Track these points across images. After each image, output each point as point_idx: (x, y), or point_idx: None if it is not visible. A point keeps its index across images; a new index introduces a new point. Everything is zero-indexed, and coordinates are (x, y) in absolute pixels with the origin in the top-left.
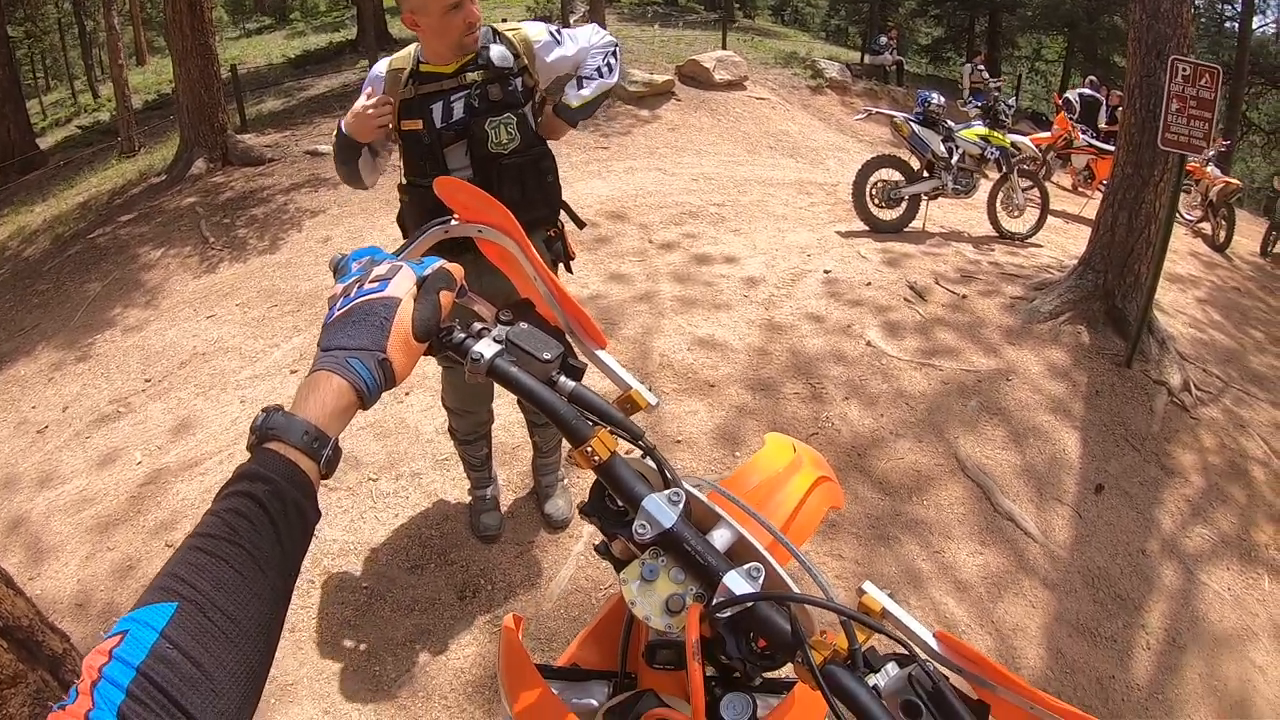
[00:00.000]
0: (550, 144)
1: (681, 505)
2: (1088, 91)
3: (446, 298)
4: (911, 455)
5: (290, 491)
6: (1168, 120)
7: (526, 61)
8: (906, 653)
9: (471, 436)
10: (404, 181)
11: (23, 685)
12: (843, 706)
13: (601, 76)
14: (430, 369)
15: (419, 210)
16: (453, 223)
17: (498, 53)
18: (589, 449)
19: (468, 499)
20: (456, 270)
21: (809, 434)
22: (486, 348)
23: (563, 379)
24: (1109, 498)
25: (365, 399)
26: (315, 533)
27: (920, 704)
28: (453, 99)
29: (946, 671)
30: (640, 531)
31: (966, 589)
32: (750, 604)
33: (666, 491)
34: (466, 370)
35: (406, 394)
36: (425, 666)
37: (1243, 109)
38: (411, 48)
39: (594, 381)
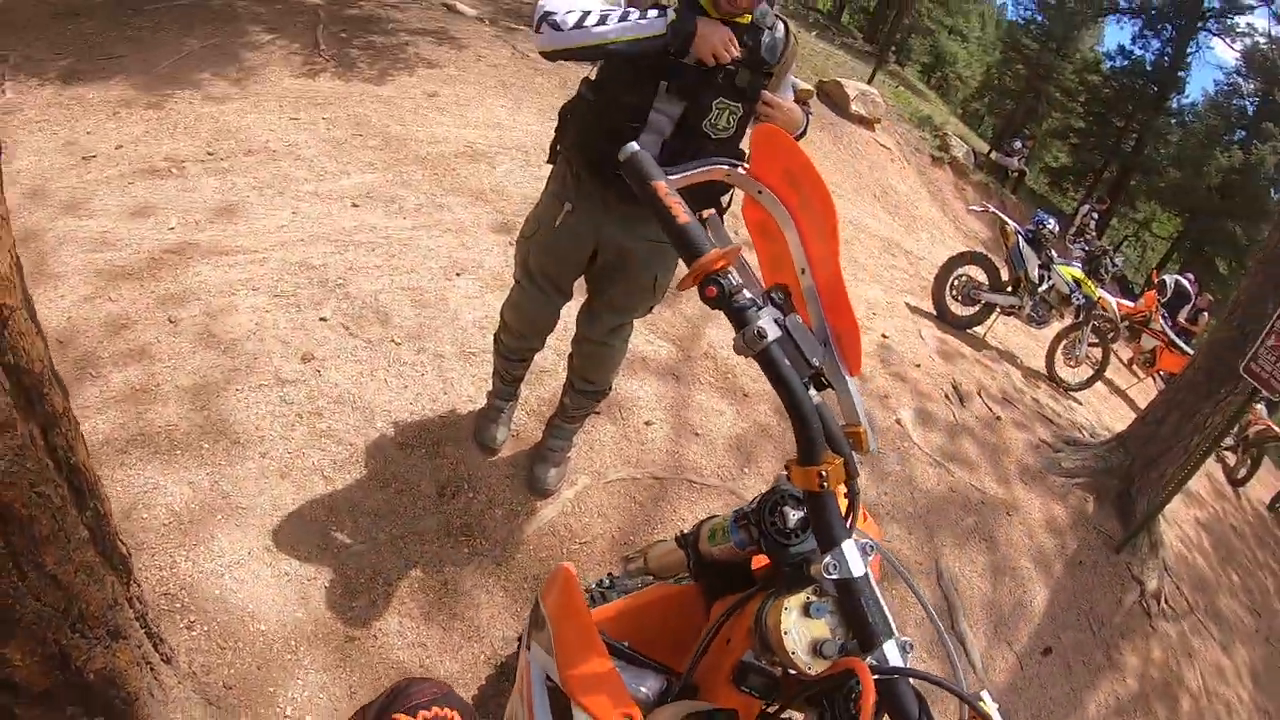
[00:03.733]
0: None
1: (872, 555)
2: (1185, 282)
3: None
4: (897, 543)
5: None
6: (1259, 351)
7: (786, 61)
8: None
9: (515, 356)
10: (593, 82)
11: (8, 435)
12: None
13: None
14: (487, 259)
15: (596, 120)
16: (740, 170)
17: (769, 42)
18: (823, 471)
19: (481, 401)
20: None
21: None
22: (771, 328)
23: (812, 390)
24: (1052, 663)
25: None
26: (320, 369)
27: None
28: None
29: None
30: (829, 571)
31: None
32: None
33: (862, 541)
34: (743, 339)
35: (458, 274)
36: (380, 545)
37: None
38: None
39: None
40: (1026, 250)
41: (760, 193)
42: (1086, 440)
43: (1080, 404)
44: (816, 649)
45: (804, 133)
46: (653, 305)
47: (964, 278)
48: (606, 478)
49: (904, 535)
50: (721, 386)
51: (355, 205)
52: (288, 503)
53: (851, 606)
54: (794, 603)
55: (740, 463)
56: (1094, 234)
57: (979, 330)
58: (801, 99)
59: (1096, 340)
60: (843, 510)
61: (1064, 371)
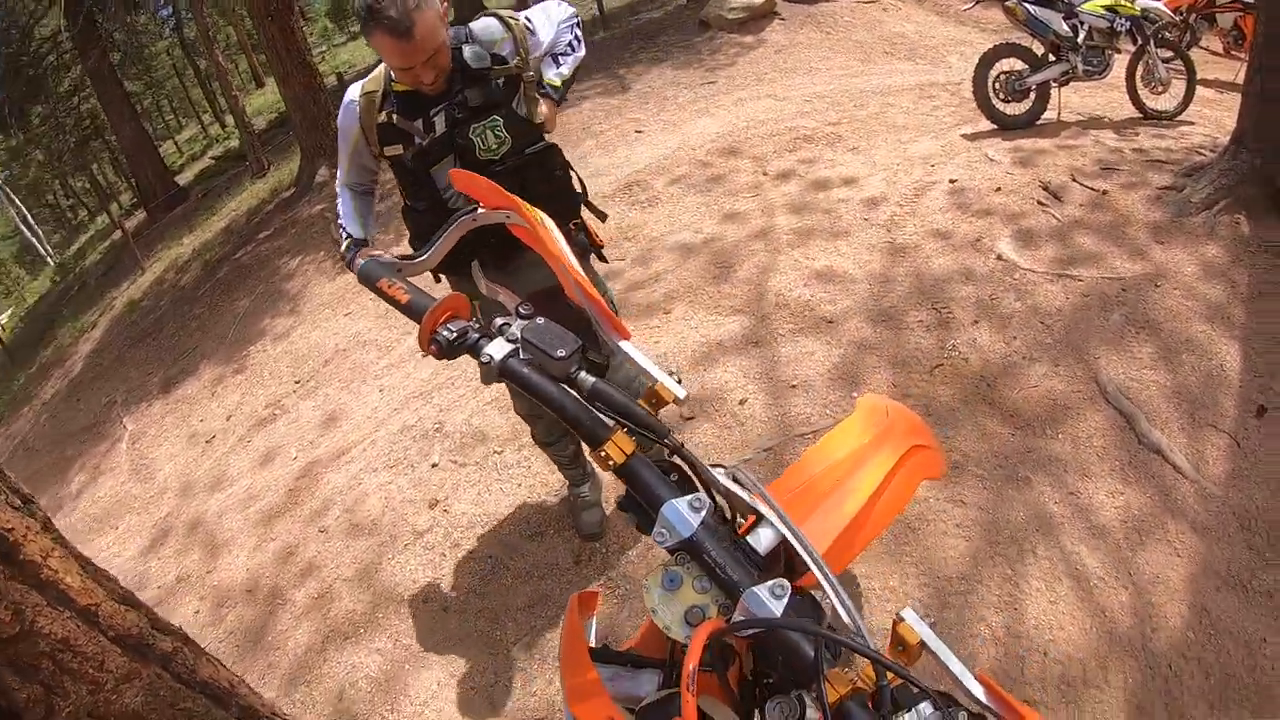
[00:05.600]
0: (648, 89)
1: (705, 511)
2: None
3: None
4: (1046, 382)
5: None
6: None
7: (522, 53)
8: (937, 696)
9: (552, 438)
10: (405, 205)
11: (137, 680)
12: None
13: (574, 50)
14: None
15: (421, 234)
16: (479, 211)
17: (471, 53)
18: (604, 453)
19: None
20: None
21: (934, 365)
22: (497, 348)
23: (583, 375)
24: (1273, 422)
25: None
26: (447, 508)
27: None
28: (433, 113)
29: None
30: (660, 539)
31: (1103, 535)
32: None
33: (689, 497)
34: (481, 372)
35: None
36: (542, 631)
37: None
38: (383, 66)
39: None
40: (1041, 12)
41: (509, 217)
42: (1207, 159)
43: (1194, 123)
44: (688, 618)
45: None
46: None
47: (1003, 75)
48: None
49: (1050, 371)
50: (802, 327)
51: (424, 356)
52: (454, 630)
53: (701, 567)
54: (652, 580)
55: (847, 391)
56: None
57: (1051, 115)
58: (763, 11)
59: (1170, 53)
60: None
61: (1156, 102)
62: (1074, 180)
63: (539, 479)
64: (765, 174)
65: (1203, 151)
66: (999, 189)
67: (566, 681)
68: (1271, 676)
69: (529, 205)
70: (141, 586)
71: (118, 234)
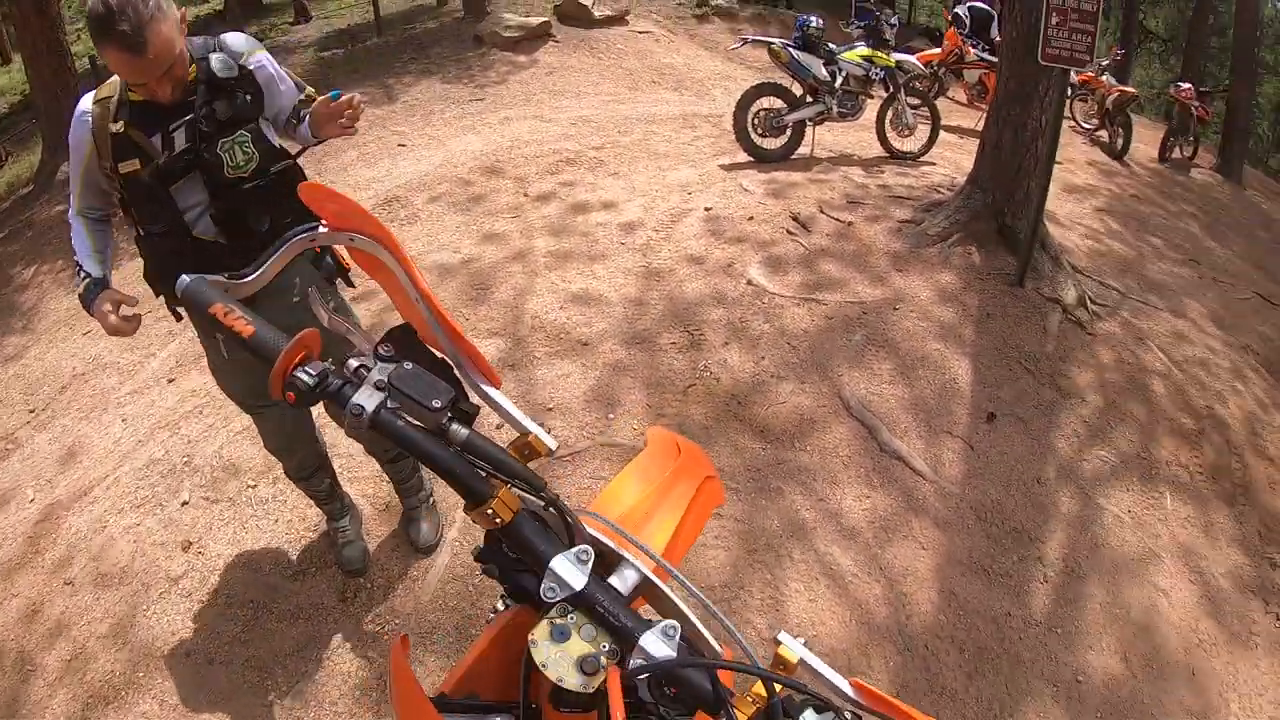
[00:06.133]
0: (415, 101)
1: (590, 563)
2: (979, 4)
3: None
4: (794, 398)
5: None
6: (1048, 34)
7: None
8: (823, 700)
9: (306, 472)
10: (138, 233)
11: None
12: None
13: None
14: None
15: (160, 262)
16: (321, 229)
17: (219, 62)
18: (490, 510)
19: None
20: None
21: (687, 385)
22: (367, 398)
23: (455, 427)
24: (1002, 426)
25: None
26: (202, 549)
27: None
28: (172, 128)
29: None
30: (549, 594)
31: (853, 536)
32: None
33: (575, 550)
34: (347, 423)
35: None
36: (313, 676)
37: (1140, 17)
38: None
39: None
40: (804, 57)
41: (353, 240)
42: (945, 196)
43: (936, 164)
44: (583, 667)
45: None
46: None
47: (762, 112)
48: None
49: (798, 387)
50: (559, 350)
51: (171, 380)
52: (222, 684)
53: (591, 617)
54: (539, 634)
55: (604, 412)
56: (875, 6)
57: (803, 151)
58: (539, 33)
59: (918, 101)
60: (564, 523)
61: (903, 144)
62: (822, 211)
63: (296, 514)
64: (526, 195)
65: (941, 190)
66: (751, 218)
67: None
68: (1019, 644)
69: (389, 231)
70: None
71: None
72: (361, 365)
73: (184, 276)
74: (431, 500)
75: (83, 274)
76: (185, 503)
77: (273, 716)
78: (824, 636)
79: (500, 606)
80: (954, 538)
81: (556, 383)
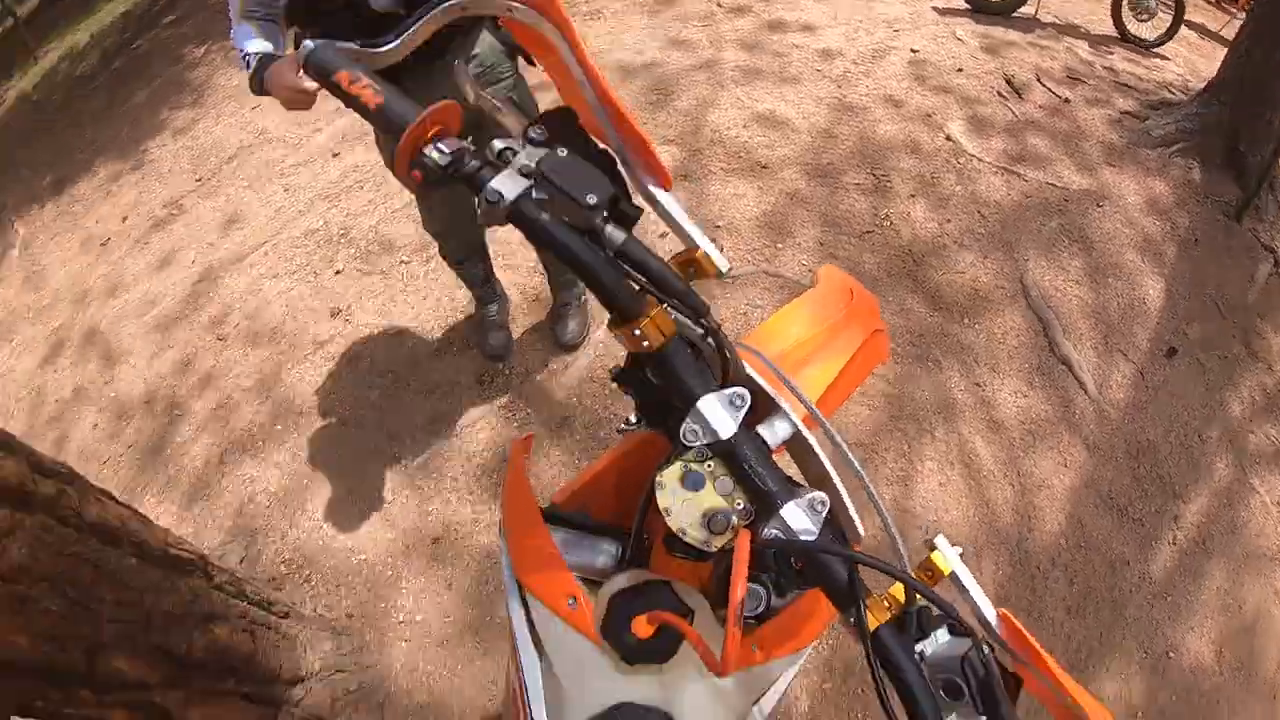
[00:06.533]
0: None
1: (744, 410)
2: None
3: None
4: (973, 271)
5: None
6: None
7: None
8: (963, 626)
9: (462, 256)
10: (303, 33)
11: (20, 532)
12: (885, 675)
13: None
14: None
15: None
16: None
17: None
18: (638, 331)
19: None
20: None
21: (864, 230)
22: (508, 184)
23: (610, 229)
24: (1179, 365)
25: None
26: (349, 317)
27: (964, 688)
28: None
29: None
30: (690, 438)
31: (1000, 431)
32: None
33: (729, 392)
34: (480, 210)
35: None
36: (440, 450)
37: None
38: None
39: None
40: None
41: (510, 10)
42: (1177, 99)
43: (1169, 59)
44: (707, 523)
45: None
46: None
47: None
48: None
49: (978, 261)
50: (736, 168)
51: (335, 155)
52: (353, 445)
53: (733, 470)
54: (668, 478)
55: (774, 240)
56: None
57: (1027, 9)
58: None
59: None
60: (721, 357)
61: (1138, 28)
62: (1039, 80)
63: (446, 293)
64: (720, 5)
65: (1173, 90)
66: (960, 70)
67: (514, 544)
68: (1127, 598)
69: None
70: (39, 401)
71: (9, 20)
72: (508, 148)
73: (307, 42)
74: (584, 299)
75: (250, 58)
76: (338, 272)
77: (396, 482)
78: (943, 525)
79: (633, 420)
80: (1099, 465)
81: (729, 201)
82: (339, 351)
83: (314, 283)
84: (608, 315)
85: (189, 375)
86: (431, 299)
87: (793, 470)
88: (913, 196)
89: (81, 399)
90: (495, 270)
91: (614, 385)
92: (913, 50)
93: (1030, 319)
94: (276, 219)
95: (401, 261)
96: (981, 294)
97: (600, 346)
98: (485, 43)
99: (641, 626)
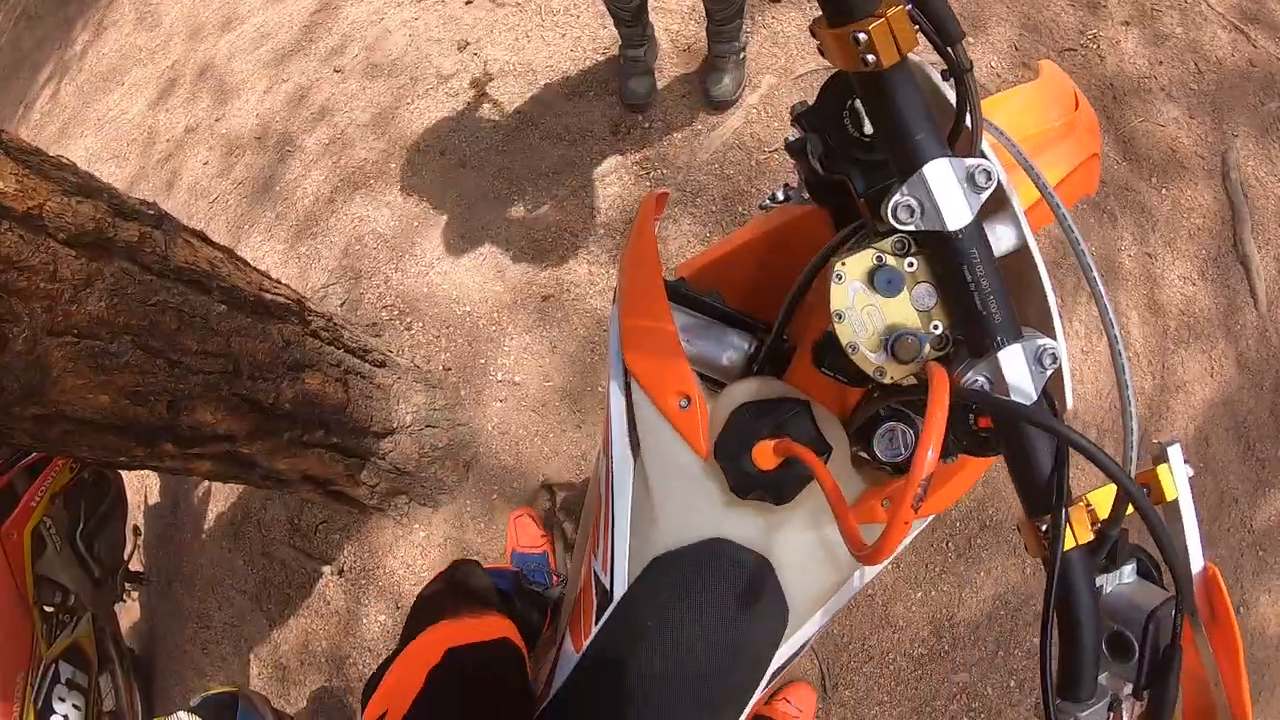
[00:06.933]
0: None
1: (988, 194)
2: None
3: None
4: (1174, 128)
5: None
6: None
7: None
8: (1157, 569)
9: None
10: None
11: (99, 282)
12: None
13: None
14: None
15: None
16: None
17: None
18: (863, 36)
19: None
20: None
21: (1065, 47)
22: None
23: None
24: None
25: None
26: (478, 51)
27: (1136, 648)
28: None
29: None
30: (901, 215)
31: (1157, 312)
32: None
33: (970, 163)
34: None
35: None
36: (563, 201)
37: None
38: None
39: None
40: None
41: None
42: None
43: None
44: (888, 344)
45: None
46: None
47: None
48: (795, 73)
49: (1182, 119)
50: None
51: None
52: (471, 189)
53: (947, 280)
54: (852, 268)
55: (970, 29)
56: None
57: None
58: None
59: None
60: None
61: None
62: None
63: (587, 32)
64: None
65: None
66: None
67: (627, 317)
68: (1225, 536)
69: None
70: (150, 141)
71: None
72: None
73: None
74: (744, 55)
75: None
76: (469, 2)
77: (512, 232)
78: (1076, 395)
79: (780, 197)
80: (1244, 387)
81: None
82: (463, 88)
83: (441, 12)
84: (768, 76)
85: (302, 109)
86: (570, 37)
87: None
88: (1127, 24)
89: (192, 137)
90: (650, 11)
91: (765, 155)
92: None
93: (1222, 202)
94: None
95: None
96: (1178, 156)
97: (753, 111)
98: None
99: (765, 455)
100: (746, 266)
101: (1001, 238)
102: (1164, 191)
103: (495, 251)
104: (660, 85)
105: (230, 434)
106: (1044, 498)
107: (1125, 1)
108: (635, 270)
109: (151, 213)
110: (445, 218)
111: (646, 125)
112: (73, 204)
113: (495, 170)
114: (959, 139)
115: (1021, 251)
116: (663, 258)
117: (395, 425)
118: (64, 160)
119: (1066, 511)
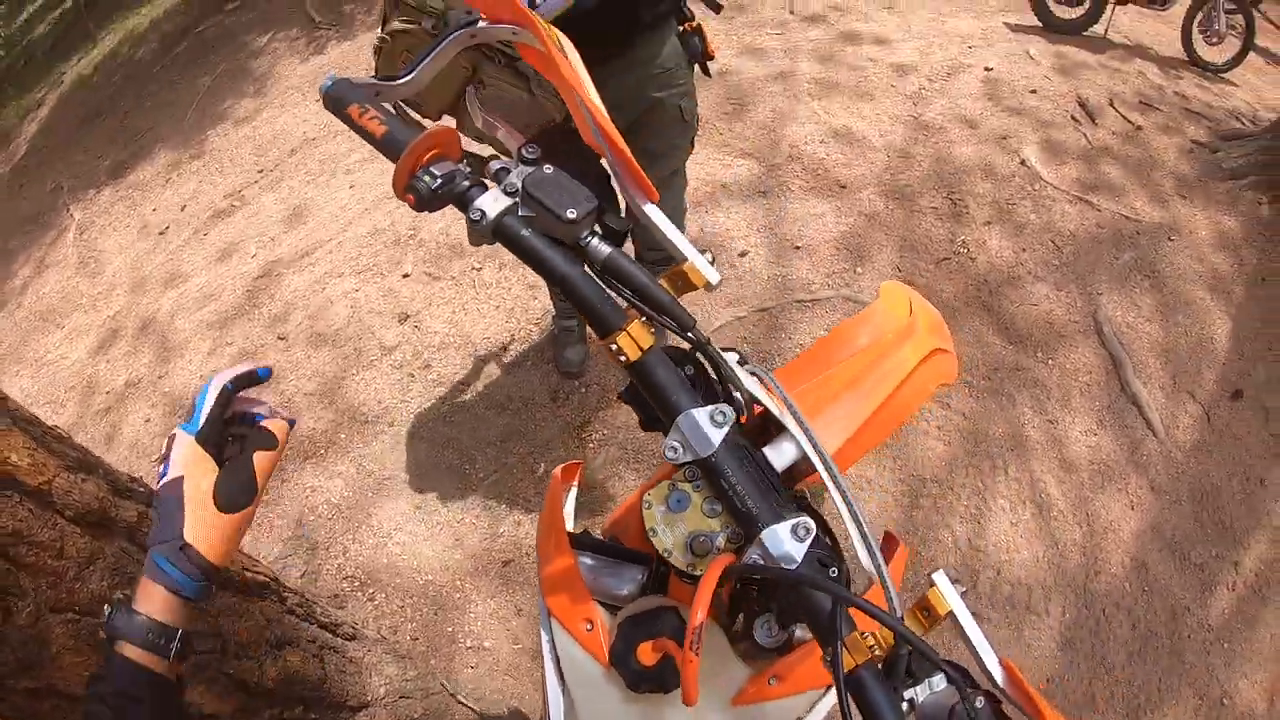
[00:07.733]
0: None
1: (728, 428)
2: None
3: (264, 459)
4: (1047, 304)
5: (139, 692)
6: None
7: None
8: (957, 674)
9: None
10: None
11: (100, 560)
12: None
13: None
14: None
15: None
16: (480, 24)
17: None
18: (615, 345)
19: None
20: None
21: (941, 257)
22: (491, 203)
23: (595, 243)
24: (1244, 409)
25: (186, 592)
26: (418, 324)
27: None
28: None
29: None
30: (670, 454)
31: (1071, 470)
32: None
33: (710, 409)
34: (468, 230)
35: None
36: (512, 468)
37: None
38: None
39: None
40: None
41: (515, 34)
42: (1248, 129)
43: (1236, 86)
44: (689, 545)
45: None
46: (692, 136)
47: None
48: (709, 328)
49: (1052, 293)
50: (814, 186)
51: None
52: (423, 459)
53: (715, 490)
54: (654, 496)
55: (852, 263)
56: None
57: (1097, 29)
58: None
59: (1234, 5)
60: (715, 370)
61: (1206, 52)
62: (1111, 105)
63: (519, 303)
64: (793, 13)
65: (1242, 119)
66: (1034, 91)
67: (543, 568)
68: (1185, 644)
69: (545, 23)
70: (90, 390)
71: (69, 2)
72: (503, 168)
73: (327, 79)
74: (585, 330)
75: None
76: (406, 275)
77: (466, 500)
78: (1014, 565)
79: None
80: (1164, 509)
81: (808, 221)
82: (406, 359)
83: (381, 285)
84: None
85: None
86: (504, 309)
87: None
88: (988, 224)
89: (134, 392)
90: None
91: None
92: (986, 69)
93: (1102, 356)
94: (341, 216)
95: (474, 268)
96: (1055, 327)
97: None
98: (670, 45)
99: (646, 653)
100: (639, 511)
101: (785, 452)
102: (1050, 362)
103: (451, 520)
104: (593, 350)
105: (215, 715)
106: (827, 633)
107: (984, 204)
108: (546, 533)
109: (143, 490)
110: (399, 489)
111: (583, 390)
112: (78, 481)
113: (444, 441)
114: (728, 387)
115: (806, 459)
116: (606, 512)
117: (370, 699)
118: (62, 433)
119: (843, 641)
